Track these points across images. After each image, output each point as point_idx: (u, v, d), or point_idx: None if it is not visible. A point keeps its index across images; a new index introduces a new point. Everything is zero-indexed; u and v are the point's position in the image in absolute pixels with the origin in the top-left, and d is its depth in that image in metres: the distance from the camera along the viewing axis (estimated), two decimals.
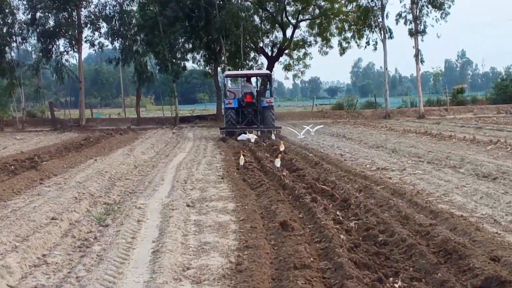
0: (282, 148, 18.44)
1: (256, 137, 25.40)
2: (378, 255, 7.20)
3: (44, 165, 16.89)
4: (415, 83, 56.04)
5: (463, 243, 7.19)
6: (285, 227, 8.39)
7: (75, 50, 45.46)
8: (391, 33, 45.27)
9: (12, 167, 16.05)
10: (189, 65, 54.14)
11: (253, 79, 33.90)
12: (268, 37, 54.33)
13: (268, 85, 35.93)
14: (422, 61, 44.32)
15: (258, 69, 51.46)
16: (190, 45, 47.83)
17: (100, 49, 47.42)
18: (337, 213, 9.64)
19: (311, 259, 6.96)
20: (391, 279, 6.30)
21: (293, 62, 55.41)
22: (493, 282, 5.90)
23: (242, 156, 16.56)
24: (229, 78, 35.93)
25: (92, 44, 45.82)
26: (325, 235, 7.99)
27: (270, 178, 13.87)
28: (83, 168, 17.15)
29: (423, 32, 43.73)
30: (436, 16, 43.67)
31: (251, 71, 39.28)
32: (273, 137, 26.12)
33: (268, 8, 52.57)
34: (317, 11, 53.00)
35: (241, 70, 41.96)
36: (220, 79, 40.52)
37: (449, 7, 43.47)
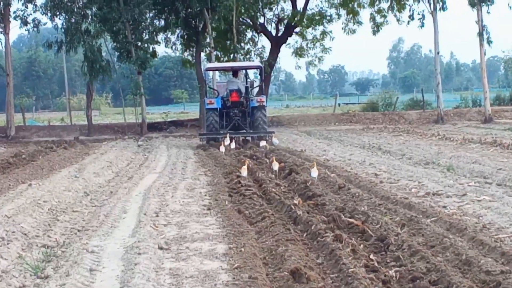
0: (275, 167, 19.39)
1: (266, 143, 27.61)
2: None
3: None
4: (478, 73, 56.13)
5: None
6: (298, 278, 8.40)
7: (1, 30, 45.52)
8: (444, 3, 45.32)
9: None
10: (161, 49, 54.46)
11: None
12: (271, 9, 54.21)
13: (259, 81, 37.68)
14: (488, 42, 44.28)
15: (258, 55, 51.76)
16: (162, 22, 47.96)
17: (35, 29, 47.43)
18: (371, 257, 9.66)
19: None
20: None
21: (306, 44, 55.07)
22: None
23: (245, 166, 17.82)
24: (211, 72, 38.48)
25: (24, 22, 45.88)
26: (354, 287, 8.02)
27: (276, 208, 13.90)
28: (12, 196, 17.11)
29: (490, 0, 43.76)
30: None
31: (238, 63, 40.30)
32: (275, 141, 28.61)
33: None
34: None
35: (227, 60, 44.58)
36: (205, 74, 40.65)
37: None
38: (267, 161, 22.26)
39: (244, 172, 18.07)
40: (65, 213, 14.40)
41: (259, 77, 38.47)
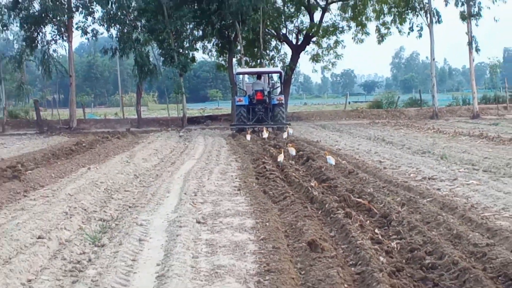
0: (293, 153, 19.97)
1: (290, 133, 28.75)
2: (425, 281, 7.18)
3: (28, 174, 16.94)
4: (468, 77, 55.78)
5: None
6: (314, 248, 8.38)
7: (65, 38, 45.55)
8: (439, 16, 45.06)
9: None
10: (199, 56, 54.56)
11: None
12: (292, 22, 54.14)
13: (280, 83, 38.53)
14: (476, 50, 44.03)
15: (281, 60, 52.12)
16: (200, 32, 47.85)
17: (93, 38, 47.45)
18: (376, 231, 9.63)
19: (345, 285, 6.96)
20: None
21: (322, 51, 54.96)
22: None
23: (282, 154, 18.61)
24: (240, 75, 39.78)
25: (85, 32, 45.93)
26: (361, 257, 7.98)
27: (295, 189, 13.87)
28: (74, 178, 17.17)
29: (478, 15, 43.47)
30: None
31: (262, 69, 41.14)
32: (290, 131, 29.30)
33: None
34: None
35: (252, 67, 44.80)
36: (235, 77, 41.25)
37: None
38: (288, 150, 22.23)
39: (280, 157, 18.41)
40: (118, 192, 14.44)
41: (279, 80, 38.97)
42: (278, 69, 43.17)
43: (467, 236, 8.79)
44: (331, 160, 17.27)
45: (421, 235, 9.05)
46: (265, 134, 28.32)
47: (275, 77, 39.71)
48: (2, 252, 8.65)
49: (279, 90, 38.17)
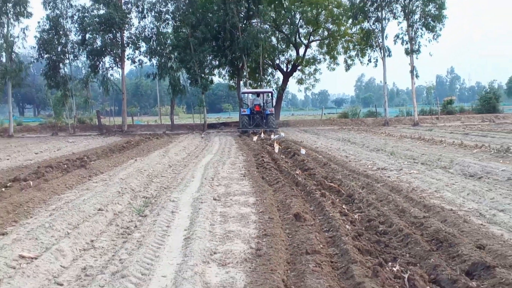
0: (276, 147, 21.38)
1: (281, 135, 29.31)
2: (379, 243, 7.18)
3: (92, 164, 16.98)
4: (410, 95, 55.63)
5: (453, 233, 7.15)
6: (298, 218, 8.38)
7: (119, 66, 45.70)
8: (389, 52, 45.03)
9: (65, 165, 16.14)
10: (216, 79, 54.22)
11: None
12: (283, 55, 54.75)
13: (271, 99, 39.60)
14: (416, 76, 43.98)
15: (275, 82, 52.91)
16: (217, 62, 47.85)
17: (140, 66, 47.55)
18: (343, 206, 9.61)
19: (321, 245, 6.95)
20: (390, 263, 6.28)
21: (305, 76, 55.97)
22: (479, 267, 5.87)
23: (277, 145, 21.07)
24: (245, 94, 40.52)
25: (133, 61, 46.08)
26: (332, 225, 7.97)
27: (285, 176, 13.84)
28: (125, 167, 17.20)
29: (418, 51, 43.45)
30: (429, 37, 43.43)
31: (259, 90, 41.79)
32: (282, 134, 30.06)
33: (283, 30, 52.84)
34: (325, 33, 53.33)
35: (252, 88, 45.41)
36: (240, 95, 41.90)
37: (440, 29, 43.13)
38: (281, 147, 22.20)
39: (276, 148, 20.59)
40: (157, 177, 14.43)
41: (271, 97, 39.59)
42: (270, 90, 43.64)
43: (409, 211, 8.79)
44: (303, 151, 19.12)
45: (376, 209, 9.04)
46: (262, 136, 30.07)
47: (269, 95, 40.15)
48: (73, 220, 8.67)
49: (270, 104, 38.80)
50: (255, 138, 29.26)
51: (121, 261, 6.63)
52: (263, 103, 37.95)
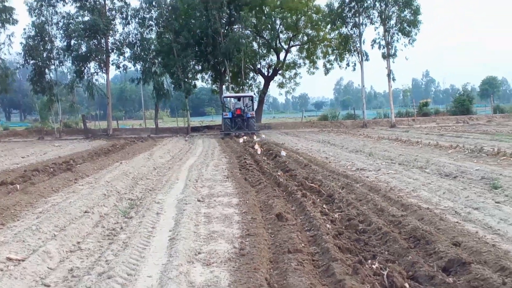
0: (258, 149, 21.81)
1: (263, 138, 30.54)
2: (359, 241, 7.20)
3: (78, 167, 16.88)
4: (387, 98, 56.08)
5: (429, 230, 7.19)
6: (280, 218, 8.37)
7: (104, 71, 45.35)
8: (367, 56, 45.34)
9: (51, 169, 16.02)
10: (199, 83, 54.19)
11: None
12: (264, 60, 54.81)
13: (251, 103, 39.74)
14: (393, 80, 44.28)
15: (256, 86, 53.07)
16: (200, 67, 47.81)
17: (124, 71, 47.34)
18: (324, 206, 9.63)
19: (302, 244, 6.96)
20: (369, 261, 6.29)
21: (285, 80, 56.20)
22: (455, 263, 5.91)
23: (257, 147, 21.83)
24: (226, 98, 40.93)
25: (118, 66, 45.78)
26: (313, 224, 7.98)
27: (267, 177, 13.84)
28: (110, 169, 17.11)
29: (394, 55, 43.74)
30: (405, 42, 43.73)
31: (240, 94, 42.60)
32: (263, 136, 31.34)
33: (264, 36, 52.89)
34: (305, 38, 53.49)
35: (234, 92, 46.02)
36: (221, 99, 41.77)
37: (416, 34, 43.48)
38: (262, 149, 22.20)
39: (258, 150, 21.14)
40: (142, 180, 14.36)
41: (251, 101, 39.80)
42: (251, 94, 43.96)
43: (388, 210, 8.83)
44: (284, 152, 19.36)
45: (356, 209, 9.07)
46: (241, 140, 29.70)
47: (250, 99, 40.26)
48: (59, 222, 8.61)
49: (251, 108, 38.93)
50: (241, 140, 29.48)
51: (107, 262, 6.59)
52: (244, 106, 38.11)
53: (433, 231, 7.25)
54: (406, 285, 5.46)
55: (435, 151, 19.32)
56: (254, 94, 50.41)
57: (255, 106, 46.69)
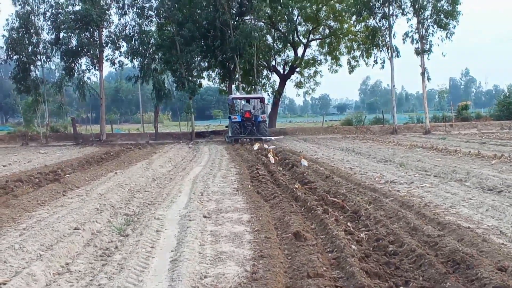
0: (271, 158, 21.63)
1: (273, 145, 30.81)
2: (388, 265, 7.16)
3: (67, 177, 16.95)
4: (421, 100, 55.94)
5: (471, 253, 7.14)
6: (298, 238, 8.35)
7: (97, 68, 45.59)
8: (398, 52, 45.24)
9: (37, 179, 16.13)
10: (205, 82, 54.42)
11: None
12: (280, 55, 54.76)
13: (262, 105, 39.97)
14: (428, 79, 44.20)
15: (271, 86, 53.03)
16: (206, 64, 48.04)
17: (120, 68, 47.59)
18: (348, 224, 9.60)
19: (324, 268, 6.93)
20: None
21: (304, 79, 55.90)
22: None
23: (271, 155, 22.00)
24: (233, 100, 40.71)
25: (113, 63, 46.05)
26: (336, 245, 7.95)
27: (283, 190, 13.82)
28: (104, 180, 17.18)
29: (429, 51, 43.66)
30: (441, 36, 43.64)
31: (250, 95, 43.16)
32: (274, 143, 31.94)
33: (280, 28, 52.92)
34: (327, 31, 53.45)
35: (245, 93, 47.26)
36: (228, 100, 41.72)
37: (454, 27, 43.41)
38: (277, 158, 22.19)
39: (272, 159, 21.26)
40: (139, 192, 14.40)
41: (262, 103, 39.96)
42: (261, 95, 43.88)
43: (422, 229, 8.78)
44: (305, 162, 19.16)
45: (385, 227, 9.04)
46: (256, 146, 29.45)
47: (265, 100, 40.53)
48: (45, 241, 8.64)
49: (261, 111, 39.25)
50: (256, 146, 29.55)
51: (100, 286, 6.61)
52: (253, 109, 38.60)
53: (474, 253, 7.20)
54: None
55: (476, 161, 19.22)
56: (269, 94, 50.71)
57: (269, 109, 47.01)
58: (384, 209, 10.73)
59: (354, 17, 48.84)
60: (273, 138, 37.83)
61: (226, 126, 43.18)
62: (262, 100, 40.30)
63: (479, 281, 6.25)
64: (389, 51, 45.06)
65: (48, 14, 44.59)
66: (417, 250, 7.47)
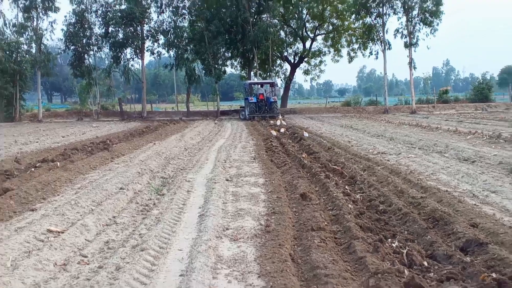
0: (282, 130, 22.52)
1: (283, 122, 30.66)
2: (379, 221, 7.13)
3: (114, 147, 17.00)
4: (408, 86, 55.45)
5: (448, 212, 7.10)
6: (304, 198, 8.35)
7: (139, 57, 45.68)
8: (390, 45, 44.77)
9: (89, 148, 16.20)
10: (228, 70, 53.98)
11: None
12: (291, 48, 54.63)
13: (273, 89, 39.95)
14: (414, 68, 43.77)
15: (283, 73, 53.12)
16: (229, 54, 47.74)
17: (158, 57, 47.47)
18: (346, 187, 9.56)
19: (325, 223, 6.92)
20: (389, 240, 6.23)
21: (311, 68, 56.10)
22: (472, 243, 5.83)
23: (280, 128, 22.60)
24: (250, 85, 41.18)
25: (152, 53, 45.98)
26: (336, 204, 7.93)
27: (292, 159, 13.80)
28: (144, 149, 17.24)
29: (416, 44, 43.19)
30: (426, 32, 43.26)
31: (263, 81, 42.61)
32: (283, 121, 31.52)
33: (291, 25, 52.73)
34: (330, 27, 53.21)
35: (262, 78, 46.31)
36: (245, 85, 41.96)
37: (437, 24, 42.98)
38: (287, 133, 22.13)
39: (274, 132, 21.87)
40: (173, 159, 14.43)
41: (272, 87, 40.02)
42: (271, 80, 43.79)
43: (407, 191, 8.73)
44: (306, 134, 20.06)
45: (377, 190, 9.00)
46: (278, 122, 30.36)
47: (278, 84, 40.71)
48: (96, 198, 8.69)
49: (272, 93, 39.17)
50: (278, 122, 30.10)
51: (141, 235, 6.64)
52: (265, 92, 38.79)
53: (451, 212, 7.16)
54: (425, 263, 5.40)
55: (454, 136, 19.05)
56: (281, 80, 50.69)
57: (281, 92, 47.06)
58: (376, 175, 10.68)
59: (353, 16, 48.42)
60: (281, 117, 37.47)
61: (241, 106, 44.15)
62: (272, 84, 40.39)
63: (455, 235, 6.23)
64: (382, 44, 44.61)
65: (99, 12, 44.53)
66: (403, 209, 7.44)
